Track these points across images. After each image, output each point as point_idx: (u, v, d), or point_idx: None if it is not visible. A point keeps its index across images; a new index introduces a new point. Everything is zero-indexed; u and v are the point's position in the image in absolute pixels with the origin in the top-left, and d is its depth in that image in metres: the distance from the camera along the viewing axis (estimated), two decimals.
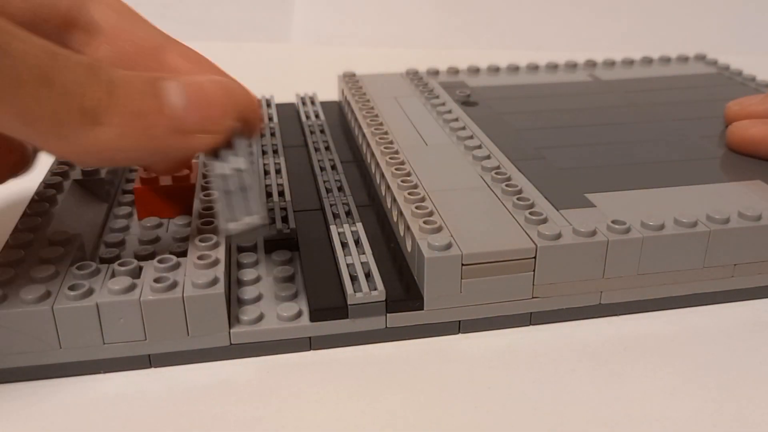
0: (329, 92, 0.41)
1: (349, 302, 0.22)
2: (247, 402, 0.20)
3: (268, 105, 0.38)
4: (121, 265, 0.22)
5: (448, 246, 0.22)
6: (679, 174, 0.28)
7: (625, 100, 0.37)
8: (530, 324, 0.23)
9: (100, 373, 0.21)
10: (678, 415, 0.20)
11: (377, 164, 0.29)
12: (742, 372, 0.21)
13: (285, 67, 0.55)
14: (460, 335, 0.23)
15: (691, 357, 0.22)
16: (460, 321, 0.23)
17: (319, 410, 0.20)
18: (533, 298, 0.23)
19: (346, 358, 0.22)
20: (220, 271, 0.21)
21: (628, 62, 0.43)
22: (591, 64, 0.42)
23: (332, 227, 0.25)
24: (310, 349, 0.22)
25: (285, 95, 0.40)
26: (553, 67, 0.42)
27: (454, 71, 0.41)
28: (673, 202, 0.26)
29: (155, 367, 0.21)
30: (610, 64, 0.42)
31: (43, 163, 0.29)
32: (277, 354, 0.22)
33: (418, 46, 0.58)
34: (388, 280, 0.23)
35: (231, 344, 0.21)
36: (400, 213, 0.25)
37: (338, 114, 0.38)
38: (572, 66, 0.42)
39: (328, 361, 0.22)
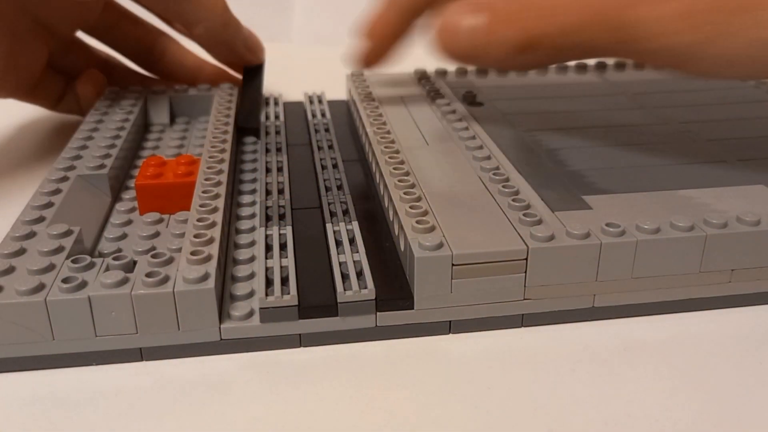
0: (339, 91, 0.41)
1: (338, 300, 0.22)
2: (236, 397, 0.20)
3: (276, 103, 0.38)
4: (115, 259, 0.22)
5: (439, 246, 0.22)
6: (681, 177, 0.28)
7: (634, 102, 0.36)
8: (522, 326, 0.23)
9: (91, 365, 0.21)
10: (678, 416, 0.20)
11: (377, 163, 0.29)
12: (741, 376, 0.21)
13: (293, 66, 0.56)
14: (450, 335, 0.23)
15: (690, 360, 0.22)
16: (450, 321, 0.23)
17: (311, 407, 0.20)
18: (525, 299, 0.23)
19: (337, 356, 0.22)
20: (212, 266, 0.22)
21: (640, 64, 0.42)
22: (602, 65, 0.42)
23: (328, 225, 0.26)
24: (300, 346, 0.22)
25: (294, 94, 0.40)
26: (562, 68, 0.42)
27: (462, 71, 0.41)
28: (672, 205, 0.25)
29: (146, 360, 0.22)
30: (620, 65, 0.42)
31: (48, 158, 0.30)
32: (267, 350, 0.22)
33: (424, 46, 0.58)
34: (380, 279, 0.23)
35: (221, 339, 0.22)
36: (395, 212, 0.25)
37: (346, 113, 0.38)
38: (582, 67, 0.42)
39: (318, 359, 0.22)
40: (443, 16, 0.24)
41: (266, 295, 0.22)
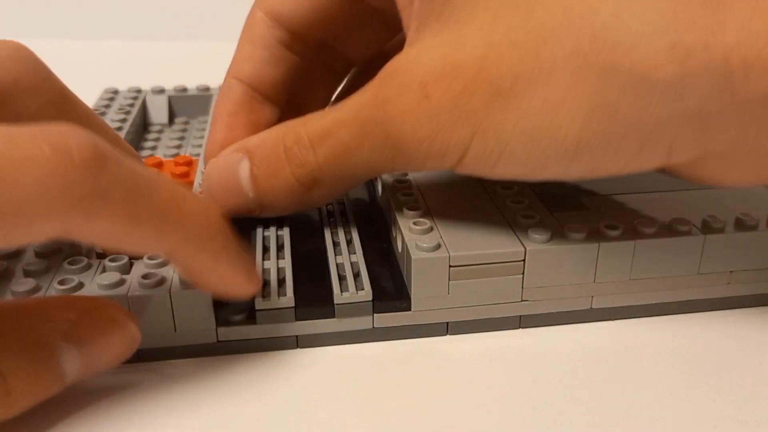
0: None
1: (335, 301, 0.22)
2: (232, 399, 0.20)
3: None
4: (111, 260, 0.22)
5: (437, 247, 0.22)
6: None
7: None
8: (519, 327, 0.23)
9: None
10: (679, 416, 0.20)
11: None
12: (740, 377, 0.21)
13: None
14: (448, 337, 0.23)
15: (689, 362, 0.22)
16: (448, 323, 0.23)
17: (308, 409, 0.20)
18: (523, 301, 0.23)
19: (334, 358, 0.22)
20: None
21: None
22: None
23: (325, 227, 0.26)
24: (297, 347, 0.22)
25: None
26: None
27: None
28: (672, 206, 0.25)
29: (143, 361, 0.22)
30: None
31: None
32: (264, 352, 0.22)
33: None
34: (378, 281, 0.23)
35: (218, 341, 0.22)
36: (393, 213, 0.25)
37: None
38: None
39: (315, 360, 0.22)
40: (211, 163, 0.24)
41: (263, 296, 0.22)
